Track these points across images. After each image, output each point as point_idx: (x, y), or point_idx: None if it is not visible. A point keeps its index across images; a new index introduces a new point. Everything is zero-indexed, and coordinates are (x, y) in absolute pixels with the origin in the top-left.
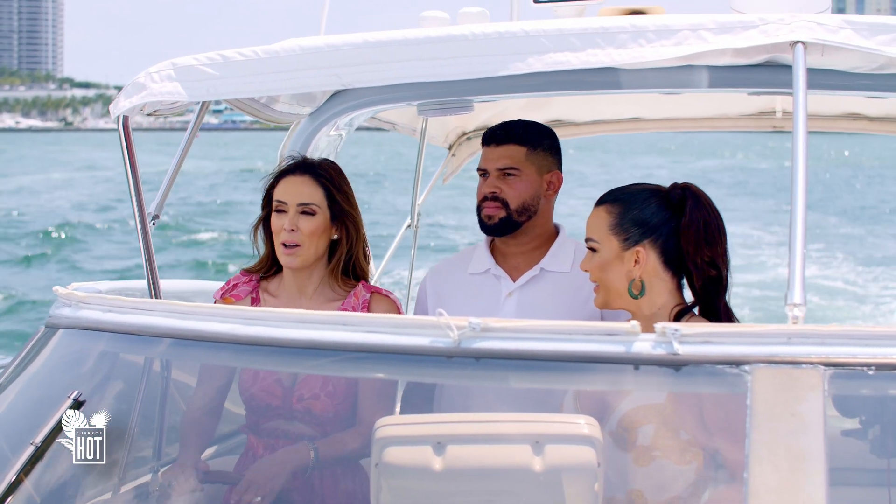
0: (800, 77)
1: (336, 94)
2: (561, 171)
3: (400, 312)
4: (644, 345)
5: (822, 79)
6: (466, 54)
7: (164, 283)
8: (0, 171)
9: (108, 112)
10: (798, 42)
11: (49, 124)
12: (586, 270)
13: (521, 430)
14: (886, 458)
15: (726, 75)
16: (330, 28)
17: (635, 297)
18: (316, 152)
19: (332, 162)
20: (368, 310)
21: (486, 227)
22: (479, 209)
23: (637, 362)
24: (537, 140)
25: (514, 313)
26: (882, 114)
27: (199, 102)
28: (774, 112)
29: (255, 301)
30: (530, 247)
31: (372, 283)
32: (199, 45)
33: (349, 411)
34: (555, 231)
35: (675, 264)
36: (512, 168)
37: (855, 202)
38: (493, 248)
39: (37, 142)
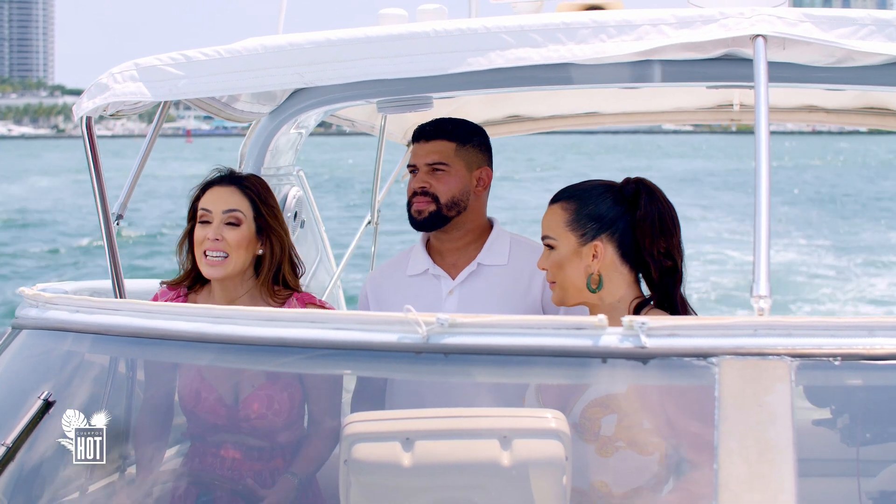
0: (761, 70)
1: (296, 92)
2: (491, 168)
3: None
4: (611, 338)
5: (781, 72)
6: (429, 51)
7: (129, 283)
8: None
9: (100, 119)
10: (758, 36)
11: (41, 131)
12: (543, 268)
13: (489, 424)
14: (856, 448)
15: (686, 69)
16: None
17: (593, 291)
18: (276, 151)
19: (258, 177)
20: None
21: (415, 222)
22: (409, 205)
23: (605, 356)
24: (467, 137)
25: (457, 310)
26: (838, 106)
27: (162, 102)
28: (732, 105)
29: None
30: (464, 241)
31: (332, 280)
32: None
33: (295, 422)
34: (489, 225)
35: (632, 257)
36: (440, 163)
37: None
38: (429, 248)
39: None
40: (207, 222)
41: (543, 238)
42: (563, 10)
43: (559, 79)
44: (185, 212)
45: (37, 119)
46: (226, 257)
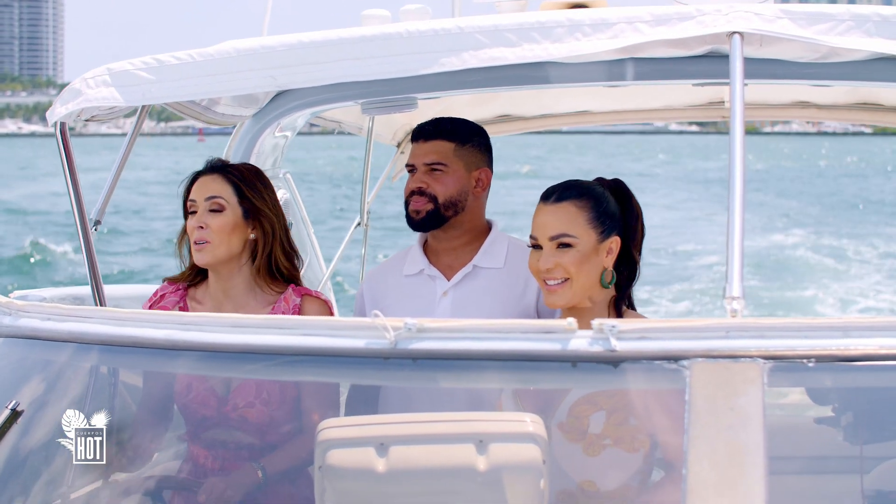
0: (737, 68)
1: (279, 94)
2: (491, 169)
3: (332, 313)
4: (581, 342)
5: (764, 68)
6: (402, 52)
7: (110, 289)
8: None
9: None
10: (735, 33)
11: (51, 130)
12: (553, 268)
13: (465, 429)
14: (859, 446)
15: (668, 67)
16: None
17: (607, 287)
18: (261, 154)
19: (249, 164)
20: (301, 313)
21: (412, 222)
22: (406, 204)
23: (574, 359)
24: (466, 137)
25: (450, 312)
26: (830, 101)
27: (136, 107)
28: (723, 102)
29: (183, 310)
30: (461, 242)
31: (322, 281)
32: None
33: (286, 417)
34: (487, 227)
35: (620, 255)
36: (439, 163)
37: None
38: (426, 249)
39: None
40: (194, 212)
41: (559, 236)
42: (547, 9)
43: (539, 78)
44: None
45: (46, 117)
46: (208, 243)
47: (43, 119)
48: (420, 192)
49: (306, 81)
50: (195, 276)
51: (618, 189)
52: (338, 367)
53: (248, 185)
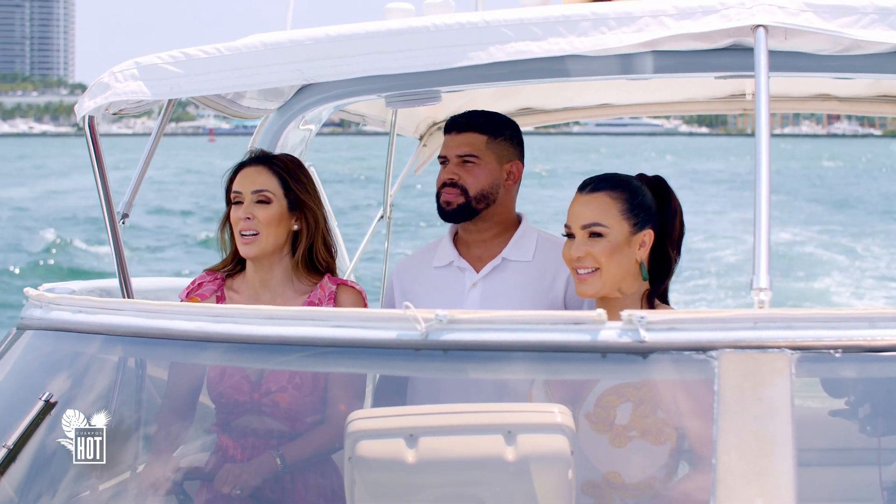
0: (761, 61)
1: (303, 88)
2: (522, 163)
3: (366, 303)
4: (610, 333)
5: (787, 61)
6: (428, 46)
7: (137, 282)
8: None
9: (119, 118)
10: (759, 26)
11: (62, 129)
12: (579, 256)
13: (493, 420)
14: (877, 438)
15: (691, 60)
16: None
17: (646, 279)
18: (286, 147)
19: (291, 156)
20: (335, 302)
21: (444, 213)
22: (438, 196)
23: (604, 350)
24: (498, 130)
25: (479, 304)
26: (851, 94)
27: (163, 101)
28: (744, 95)
29: (221, 299)
30: (491, 234)
31: (346, 275)
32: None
33: (317, 403)
34: (517, 220)
35: (655, 250)
36: (471, 155)
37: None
38: (456, 240)
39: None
40: (239, 203)
41: (591, 225)
42: (570, 3)
43: (563, 71)
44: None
45: (57, 117)
46: (256, 234)
47: (55, 118)
48: (452, 183)
49: (333, 75)
50: (235, 265)
51: (657, 185)
52: (369, 359)
53: (293, 177)
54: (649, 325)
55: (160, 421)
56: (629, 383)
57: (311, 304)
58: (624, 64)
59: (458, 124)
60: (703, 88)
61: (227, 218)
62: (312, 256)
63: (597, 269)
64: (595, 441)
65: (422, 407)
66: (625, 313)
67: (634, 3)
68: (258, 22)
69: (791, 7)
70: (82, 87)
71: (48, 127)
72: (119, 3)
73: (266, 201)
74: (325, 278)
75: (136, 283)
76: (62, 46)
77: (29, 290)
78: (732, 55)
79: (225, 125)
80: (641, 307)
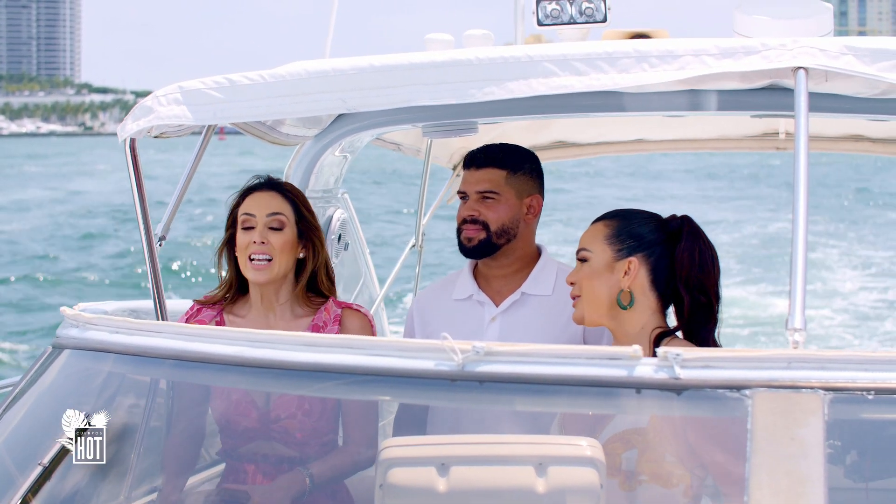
0: (801, 103)
1: (341, 116)
2: (542, 196)
3: (373, 326)
4: (646, 369)
5: (824, 102)
6: (470, 79)
7: (171, 304)
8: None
9: (124, 118)
10: (800, 68)
11: (69, 129)
12: (571, 283)
13: (525, 451)
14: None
15: (729, 98)
16: (335, 33)
17: (623, 308)
18: (321, 173)
19: (292, 184)
20: (340, 324)
21: (465, 249)
22: (458, 232)
23: (639, 386)
24: (518, 164)
25: (497, 338)
26: (884, 135)
27: (205, 126)
28: (777, 133)
29: (220, 324)
30: (511, 269)
31: (376, 302)
32: (212, 48)
33: (327, 428)
34: (537, 253)
35: (662, 287)
36: (491, 192)
37: None
38: (476, 273)
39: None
40: (251, 227)
41: (579, 251)
42: (609, 38)
43: (602, 106)
44: None
45: (64, 117)
46: (270, 261)
47: (61, 118)
48: (472, 220)
49: (376, 105)
50: (232, 292)
51: (674, 225)
52: (405, 388)
53: (304, 205)
54: (684, 363)
55: (167, 449)
56: (635, 429)
57: (315, 326)
58: (662, 101)
59: (477, 160)
60: (736, 126)
61: (227, 241)
62: (315, 283)
63: (580, 294)
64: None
65: (454, 437)
66: (661, 350)
67: (676, 42)
68: (264, 22)
69: (832, 50)
70: (88, 87)
71: (55, 126)
72: (124, 3)
73: (280, 227)
74: (330, 301)
75: (168, 304)
76: (68, 47)
77: (65, 310)
78: (770, 95)
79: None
80: (649, 345)
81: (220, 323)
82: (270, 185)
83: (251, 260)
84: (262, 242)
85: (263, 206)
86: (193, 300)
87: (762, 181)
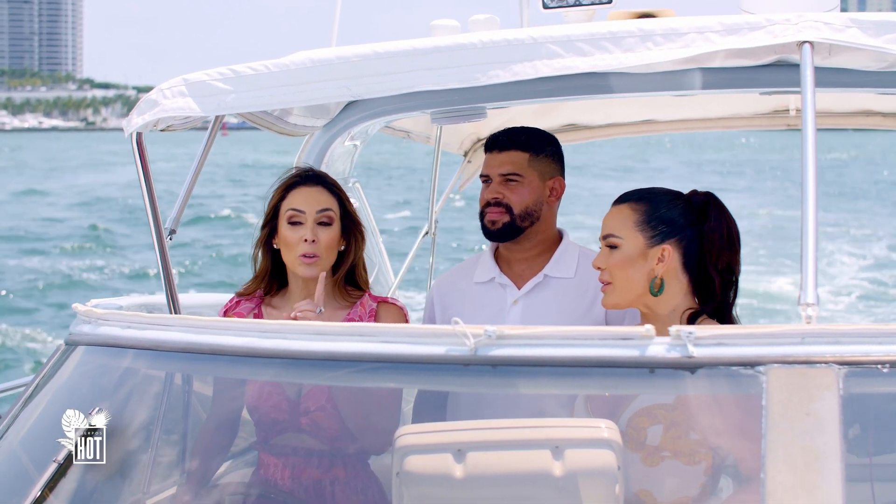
0: (807, 77)
1: (349, 104)
2: (563, 178)
3: (408, 320)
4: (659, 348)
5: (831, 77)
6: (475, 62)
7: (188, 298)
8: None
9: (127, 112)
10: (805, 42)
11: (71, 124)
12: (599, 268)
13: (541, 435)
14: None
15: (736, 76)
16: (340, 30)
17: (655, 295)
18: (331, 163)
19: (333, 178)
20: (376, 318)
21: (489, 232)
22: (482, 215)
23: (652, 365)
24: (540, 146)
25: (520, 321)
26: (894, 109)
27: (211, 117)
28: (788, 111)
29: (258, 316)
30: (534, 252)
31: (391, 289)
32: (214, 43)
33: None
34: (558, 236)
35: (693, 268)
36: (514, 174)
37: None
38: (497, 256)
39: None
40: (299, 223)
41: (606, 237)
42: (615, 19)
43: (610, 87)
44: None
45: (66, 112)
46: (317, 257)
47: (63, 113)
48: (496, 202)
49: (381, 91)
50: (268, 285)
51: (698, 201)
52: (418, 374)
53: (346, 199)
54: (697, 341)
55: (201, 438)
56: (661, 404)
57: (350, 320)
58: (669, 80)
59: (500, 142)
60: (746, 104)
61: (267, 235)
62: (353, 275)
63: (611, 281)
64: (628, 458)
65: (469, 422)
66: (673, 329)
67: (680, 20)
68: (265, 17)
69: (836, 23)
70: (90, 82)
71: (57, 122)
72: None
73: (329, 222)
74: (366, 296)
75: (181, 298)
76: (70, 42)
77: (77, 306)
78: (777, 71)
79: (233, 119)
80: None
81: (259, 315)
82: (316, 179)
83: (304, 257)
84: (314, 241)
85: (312, 202)
86: (235, 293)
87: (767, 174)
